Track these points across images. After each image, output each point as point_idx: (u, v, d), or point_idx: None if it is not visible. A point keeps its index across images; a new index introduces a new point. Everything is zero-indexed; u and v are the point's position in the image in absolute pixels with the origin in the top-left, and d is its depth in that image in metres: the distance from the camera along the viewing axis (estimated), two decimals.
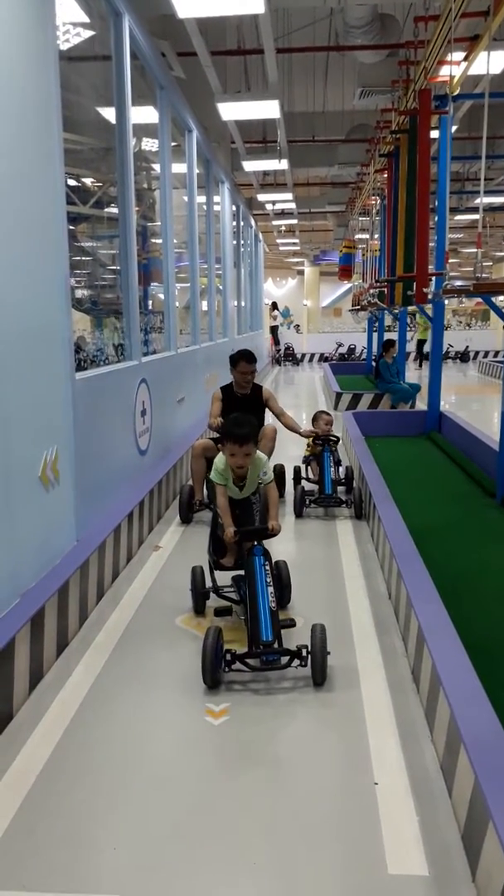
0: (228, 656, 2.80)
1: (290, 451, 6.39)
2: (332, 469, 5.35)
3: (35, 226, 3.20)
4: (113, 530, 3.95)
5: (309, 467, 5.68)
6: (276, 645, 2.83)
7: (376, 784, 2.25)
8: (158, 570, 4.17)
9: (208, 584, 3.50)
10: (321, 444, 5.47)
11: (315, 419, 5.76)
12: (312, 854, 1.98)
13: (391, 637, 3.24)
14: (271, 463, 5.47)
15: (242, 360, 5.34)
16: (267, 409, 5.43)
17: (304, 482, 5.50)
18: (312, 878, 1.90)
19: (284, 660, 2.84)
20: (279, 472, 5.59)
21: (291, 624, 3.08)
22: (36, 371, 3.19)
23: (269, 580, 3.00)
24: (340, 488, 5.44)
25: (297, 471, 5.63)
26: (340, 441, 5.73)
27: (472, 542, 4.26)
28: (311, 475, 5.63)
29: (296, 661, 2.83)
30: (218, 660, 2.77)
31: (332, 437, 5.55)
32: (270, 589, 2.97)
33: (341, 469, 5.57)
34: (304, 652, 2.81)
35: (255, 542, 3.12)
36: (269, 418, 5.44)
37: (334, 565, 4.17)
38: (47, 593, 2.99)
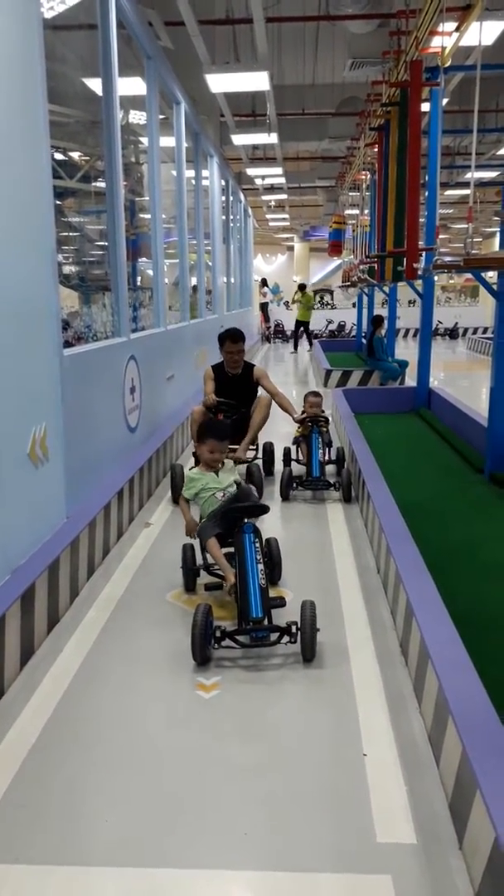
0: (218, 633, 2.81)
1: (281, 429, 6.35)
2: (321, 451, 5.20)
3: (20, 199, 3.15)
4: (103, 507, 3.95)
5: (299, 448, 5.52)
6: (265, 622, 2.85)
7: (365, 755, 2.28)
8: (149, 546, 4.18)
9: (199, 561, 3.51)
10: (310, 425, 5.33)
11: (304, 400, 5.67)
12: (302, 823, 2.01)
13: (380, 611, 3.27)
14: (261, 439, 5.51)
15: (228, 339, 5.28)
16: (260, 389, 5.37)
17: (293, 464, 5.38)
18: (302, 847, 1.93)
19: (274, 636, 2.85)
20: (269, 450, 5.54)
21: (282, 603, 3.07)
22: (22, 348, 3.16)
23: (258, 557, 3.00)
24: (331, 468, 5.33)
25: (286, 452, 5.49)
26: (331, 421, 5.59)
27: (461, 517, 4.29)
28: (300, 457, 5.46)
29: (286, 638, 2.84)
30: (207, 636, 2.78)
31: (321, 418, 5.41)
32: (260, 566, 2.98)
33: (332, 451, 5.45)
34: (293, 628, 2.82)
35: (246, 520, 3.12)
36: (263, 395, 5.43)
37: (323, 543, 4.19)
38: (38, 570, 2.99)
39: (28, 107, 3.25)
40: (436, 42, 6.14)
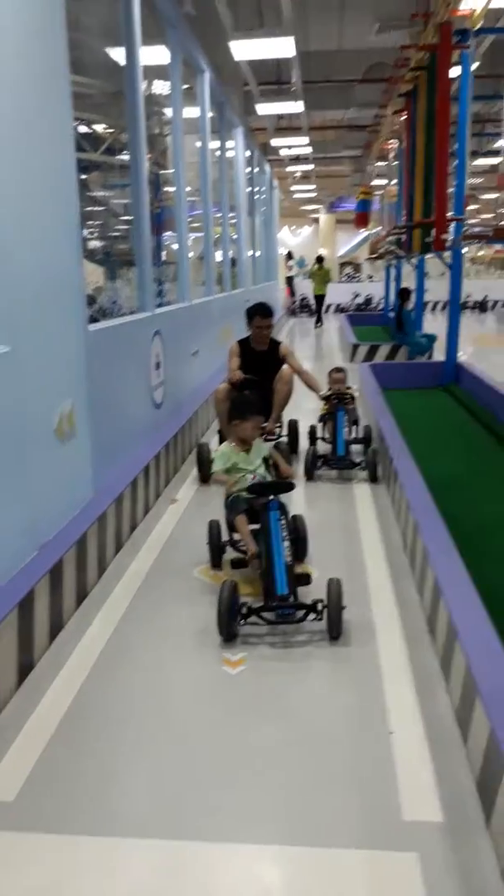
0: (244, 609, 2.81)
1: (307, 405, 6.18)
2: (347, 429, 5.05)
3: (43, 173, 3.11)
4: (130, 483, 3.96)
5: (325, 426, 5.35)
6: (291, 599, 2.84)
7: (391, 733, 2.28)
8: (175, 522, 4.19)
9: (225, 537, 3.51)
10: (336, 402, 5.17)
11: (328, 376, 5.55)
12: (327, 800, 2.02)
13: (408, 591, 3.24)
14: (286, 417, 5.40)
15: (257, 314, 5.20)
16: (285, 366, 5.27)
17: (319, 443, 5.27)
18: (327, 823, 1.94)
19: (300, 614, 2.84)
20: (293, 427, 5.47)
21: (307, 581, 3.04)
22: (48, 324, 3.15)
23: (284, 534, 2.99)
24: (357, 448, 5.16)
25: (312, 430, 5.38)
26: (357, 397, 5.45)
27: (490, 495, 4.23)
28: (326, 435, 5.30)
29: (311, 615, 2.84)
30: (233, 613, 2.78)
31: (346, 395, 5.25)
32: (286, 543, 2.97)
33: (359, 429, 5.31)
34: (319, 606, 2.81)
35: (272, 497, 3.10)
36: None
37: (349, 522, 4.16)
38: (66, 545, 3.01)
39: (50, 76, 3.19)
40: (466, 3, 5.93)
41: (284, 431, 5.45)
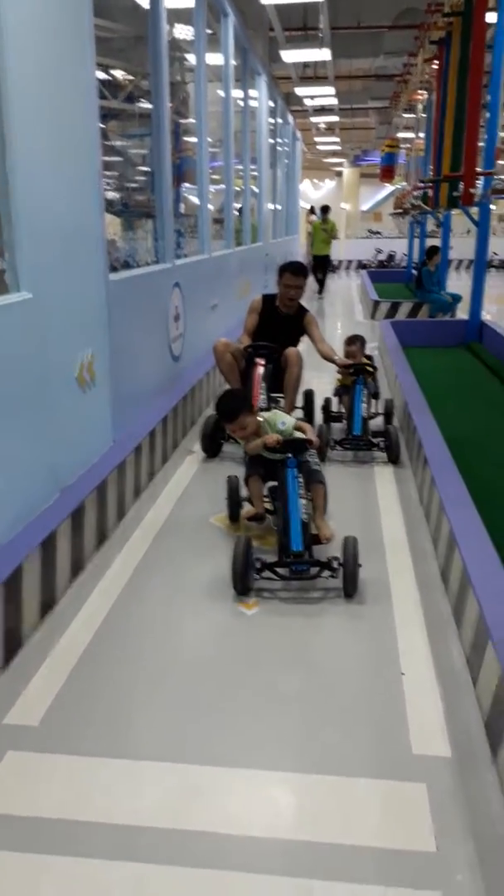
0: (258, 564, 2.82)
1: (323, 378, 5.63)
2: (366, 404, 4.51)
3: (68, 123, 3.09)
4: (148, 433, 4.00)
5: (341, 400, 4.85)
6: (306, 556, 2.84)
7: (403, 674, 2.34)
8: (193, 473, 4.24)
9: (244, 493, 3.46)
10: (353, 374, 4.59)
11: (344, 346, 4.95)
12: (340, 733, 2.09)
13: (422, 544, 3.27)
14: (301, 386, 4.66)
15: (287, 270, 4.65)
16: (305, 337, 4.77)
17: (333, 420, 4.81)
18: (340, 754, 2.01)
19: (314, 570, 2.86)
20: (308, 397, 5.02)
21: (329, 540, 3.03)
22: (70, 272, 3.16)
23: (301, 492, 2.97)
24: (376, 424, 4.65)
25: (326, 404, 4.90)
26: (379, 368, 4.84)
27: None
28: (342, 409, 4.80)
29: (326, 573, 2.85)
30: (248, 567, 2.79)
31: (367, 367, 4.64)
32: (303, 501, 2.95)
33: (379, 403, 4.87)
34: (334, 563, 2.81)
35: (290, 455, 3.05)
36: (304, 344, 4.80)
37: (368, 498, 3.89)
38: (87, 489, 3.07)
39: (72, 18, 3.14)
40: None
41: (300, 402, 4.88)
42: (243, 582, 2.80)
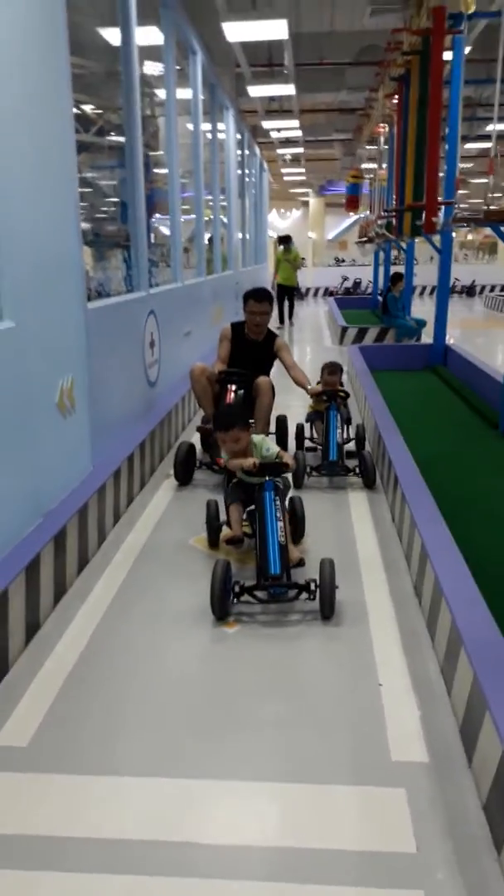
0: (237, 588, 2.85)
1: (294, 403, 5.76)
2: (340, 430, 4.52)
3: (47, 153, 3.19)
4: (126, 458, 4.07)
5: (313, 426, 4.90)
6: (284, 578, 2.86)
7: (381, 685, 2.43)
8: (171, 497, 4.31)
9: (223, 517, 3.51)
10: (326, 401, 4.64)
11: (321, 372, 4.98)
12: (321, 741, 2.17)
13: (403, 587, 3.19)
14: (274, 412, 4.70)
15: (252, 297, 4.66)
16: (277, 361, 4.82)
17: (307, 443, 4.87)
18: (320, 763, 2.08)
19: (292, 593, 2.89)
20: (282, 425, 5.01)
21: (301, 564, 3.09)
22: (51, 301, 3.24)
23: (279, 515, 3.00)
24: (350, 448, 4.73)
25: (299, 430, 4.91)
26: (351, 395, 4.89)
27: (475, 471, 4.38)
28: (315, 435, 4.85)
29: (304, 595, 2.88)
30: (226, 592, 2.83)
31: (340, 393, 4.70)
32: (280, 524, 2.97)
33: (351, 428, 4.88)
34: (312, 586, 2.85)
35: (267, 477, 3.11)
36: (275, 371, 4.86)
37: (343, 523, 4.02)
38: (68, 513, 3.13)
39: (51, 56, 3.26)
40: None
41: (273, 428, 4.95)
42: (221, 607, 2.82)
